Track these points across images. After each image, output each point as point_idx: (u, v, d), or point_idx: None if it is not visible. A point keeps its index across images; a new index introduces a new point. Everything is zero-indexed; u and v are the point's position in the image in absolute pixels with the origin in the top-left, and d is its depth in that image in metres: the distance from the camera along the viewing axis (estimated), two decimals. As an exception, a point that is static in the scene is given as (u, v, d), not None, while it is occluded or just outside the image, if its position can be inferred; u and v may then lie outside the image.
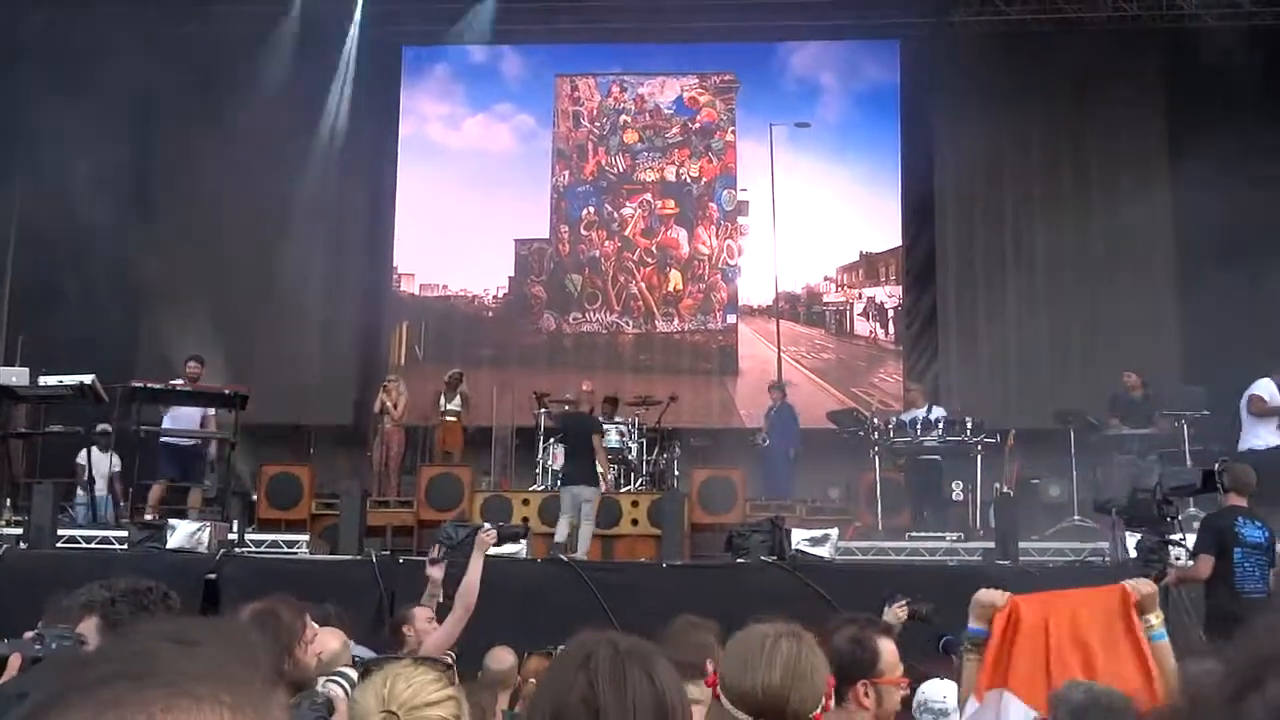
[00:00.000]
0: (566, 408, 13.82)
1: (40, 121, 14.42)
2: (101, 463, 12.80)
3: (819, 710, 2.18)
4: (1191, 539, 7.82)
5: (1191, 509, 9.62)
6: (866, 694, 3.20)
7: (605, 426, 14.02)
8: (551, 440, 13.96)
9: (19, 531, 10.47)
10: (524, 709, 4.86)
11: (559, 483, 12.21)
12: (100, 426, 12.71)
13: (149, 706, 0.93)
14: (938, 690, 3.91)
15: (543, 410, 14.19)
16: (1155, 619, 3.55)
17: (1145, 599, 3.57)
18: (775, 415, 14.37)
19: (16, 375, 12.02)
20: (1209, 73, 14.46)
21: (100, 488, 12.70)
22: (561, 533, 11.34)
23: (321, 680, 3.50)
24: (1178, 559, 7.19)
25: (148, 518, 11.03)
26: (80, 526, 11.78)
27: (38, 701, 0.96)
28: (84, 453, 12.57)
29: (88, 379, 11.71)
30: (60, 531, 10.54)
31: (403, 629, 5.91)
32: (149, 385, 11.96)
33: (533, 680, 5.51)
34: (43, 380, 11.82)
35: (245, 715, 0.96)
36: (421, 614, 6.05)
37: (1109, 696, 3.01)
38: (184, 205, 15.81)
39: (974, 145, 16.89)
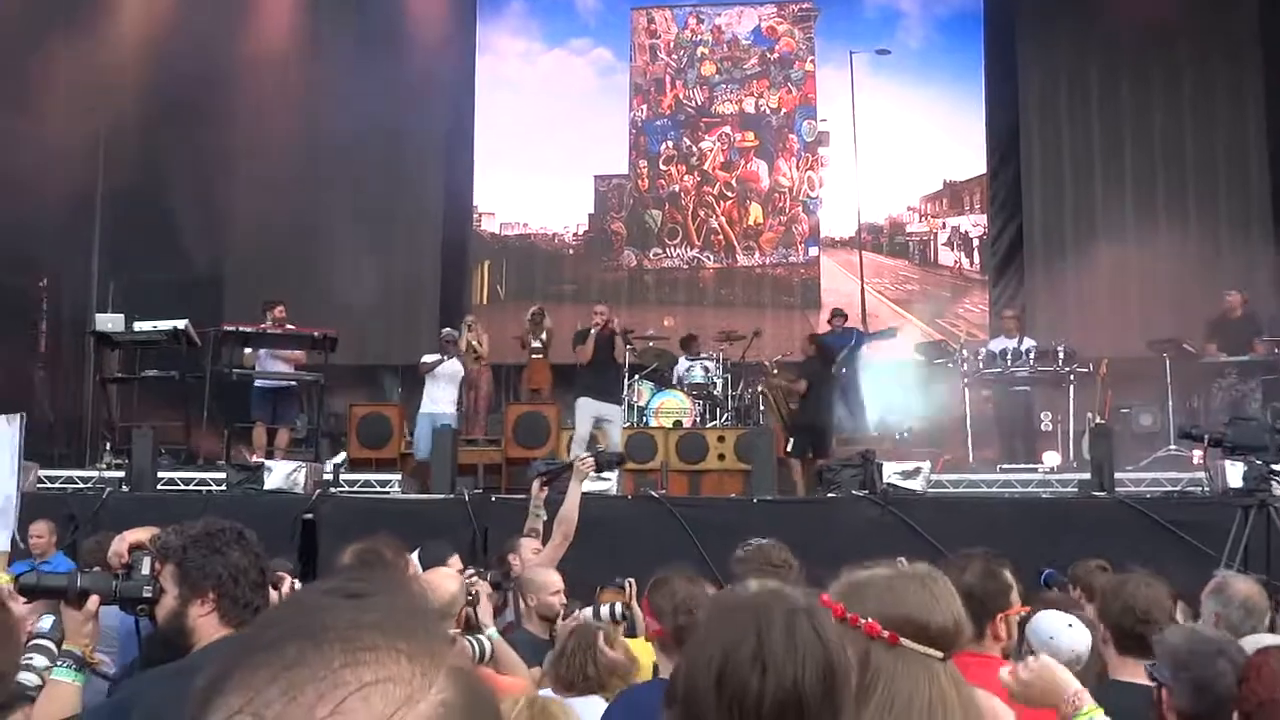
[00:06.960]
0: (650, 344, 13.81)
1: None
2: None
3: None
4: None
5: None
6: (1003, 627, 3.20)
7: (688, 362, 13.99)
8: (637, 377, 13.94)
9: (120, 475, 10.73)
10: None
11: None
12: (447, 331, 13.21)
13: (330, 663, 0.93)
14: (1060, 621, 3.79)
15: (628, 347, 14.14)
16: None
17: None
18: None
19: (112, 322, 12.27)
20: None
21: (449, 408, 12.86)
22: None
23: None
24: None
25: (254, 460, 11.20)
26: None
27: (220, 668, 0.96)
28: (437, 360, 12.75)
29: (181, 324, 11.92)
30: (160, 474, 10.77)
31: (509, 558, 6.03)
32: (241, 329, 12.12)
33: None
34: (137, 326, 12.05)
35: (422, 662, 0.96)
36: (528, 544, 6.15)
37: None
38: (266, 150, 15.86)
39: (1060, 69, 16.50)
